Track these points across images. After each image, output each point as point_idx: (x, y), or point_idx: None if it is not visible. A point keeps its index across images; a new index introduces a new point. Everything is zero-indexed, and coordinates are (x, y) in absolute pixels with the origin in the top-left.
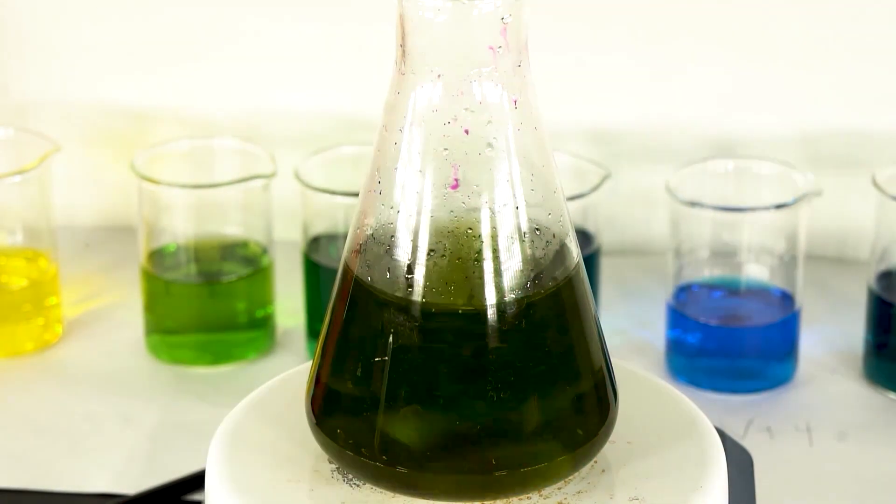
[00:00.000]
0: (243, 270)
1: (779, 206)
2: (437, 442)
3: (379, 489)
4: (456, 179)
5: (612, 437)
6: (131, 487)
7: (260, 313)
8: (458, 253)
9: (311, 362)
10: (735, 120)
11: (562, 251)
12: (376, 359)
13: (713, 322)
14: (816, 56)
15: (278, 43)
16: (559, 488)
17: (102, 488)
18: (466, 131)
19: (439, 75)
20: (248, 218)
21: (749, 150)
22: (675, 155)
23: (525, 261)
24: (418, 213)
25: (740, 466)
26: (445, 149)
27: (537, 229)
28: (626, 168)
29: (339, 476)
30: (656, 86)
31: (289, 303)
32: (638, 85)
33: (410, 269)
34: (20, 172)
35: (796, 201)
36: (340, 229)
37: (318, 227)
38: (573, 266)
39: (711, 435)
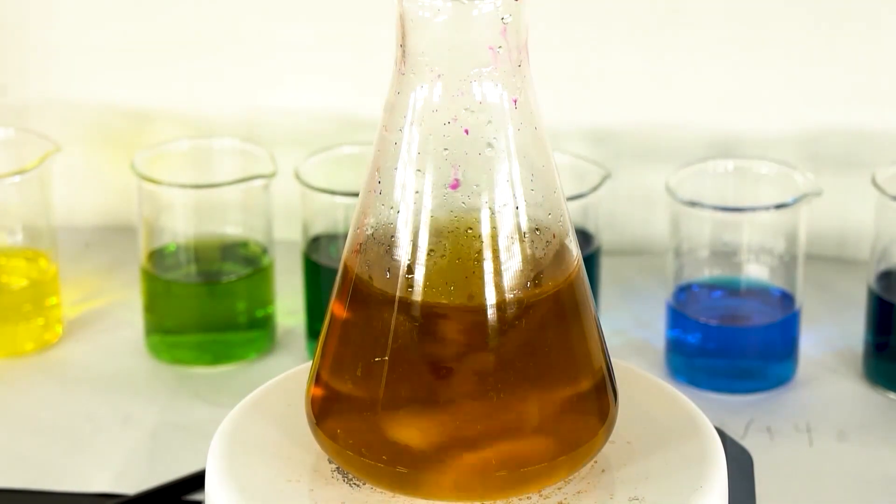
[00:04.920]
0: (243, 270)
1: (779, 206)
2: (437, 442)
3: (379, 489)
4: (456, 179)
5: (612, 437)
6: (131, 487)
7: (260, 313)
8: (458, 253)
9: (311, 362)
10: (735, 120)
11: (562, 251)
12: (376, 359)
13: (713, 322)
14: (816, 56)
15: (278, 43)
16: (559, 488)
17: (102, 488)
18: (466, 131)
19: (439, 75)
20: (248, 218)
21: (749, 150)
22: (675, 155)
23: (525, 261)
24: (418, 213)
25: (740, 466)
26: (445, 149)
27: (537, 229)
28: (626, 168)
29: (339, 476)
30: (656, 86)
31: (289, 303)
32: (638, 85)
33: (410, 269)
34: (20, 172)
35: (796, 201)
36: (340, 229)
37: (318, 227)
38: (573, 266)
39: (711, 435)
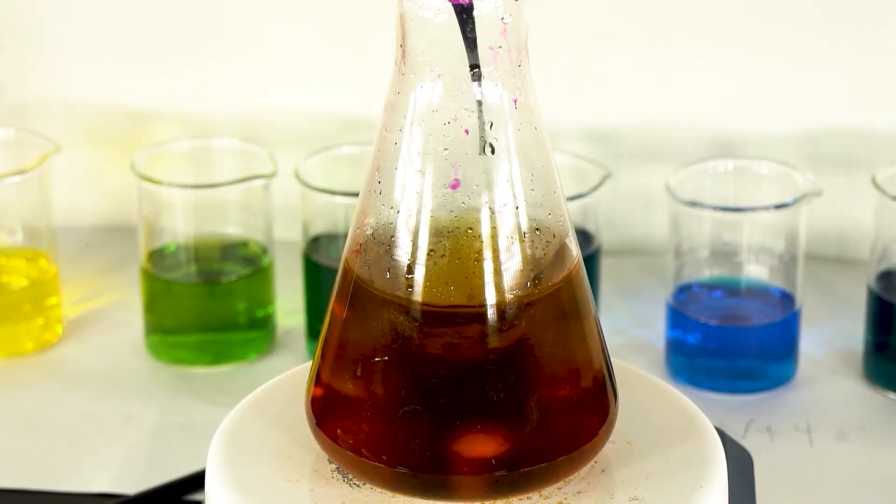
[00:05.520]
0: (243, 270)
1: (779, 206)
2: (437, 442)
3: (379, 489)
4: (456, 179)
5: (612, 437)
6: (131, 487)
7: (260, 313)
8: (458, 253)
9: (311, 362)
10: (735, 120)
11: (562, 251)
12: (376, 359)
13: (713, 322)
14: (816, 56)
15: (278, 43)
16: (559, 488)
17: (102, 488)
18: (466, 131)
19: (439, 75)
20: (248, 218)
21: (749, 150)
22: (675, 155)
23: (525, 261)
24: (418, 213)
25: (740, 466)
26: (445, 149)
27: (537, 229)
28: (626, 168)
29: (339, 476)
30: (656, 86)
31: (289, 303)
32: (638, 85)
33: (410, 269)
34: (20, 172)
35: (796, 201)
36: (340, 229)
37: (318, 227)
38: (573, 266)
39: (711, 435)
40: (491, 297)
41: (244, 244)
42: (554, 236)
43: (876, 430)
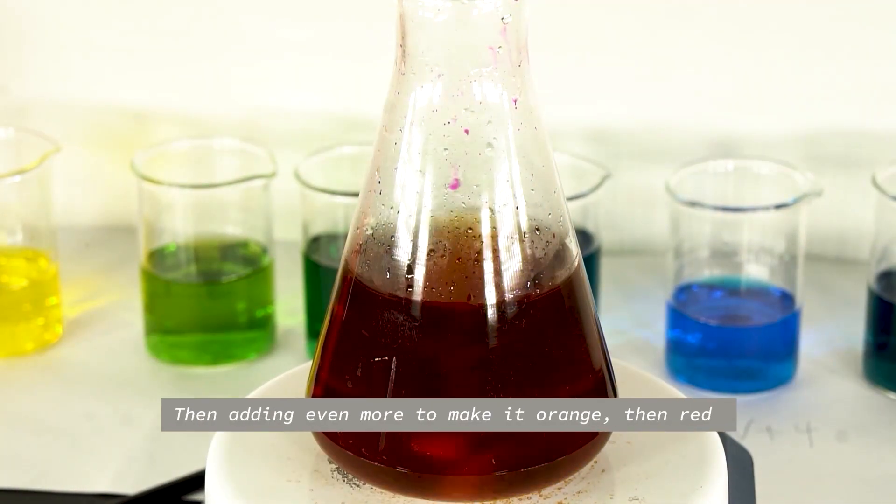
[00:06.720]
0: (243, 270)
1: (779, 206)
2: (437, 442)
3: (379, 489)
4: (456, 179)
5: (612, 437)
6: (131, 487)
7: (260, 313)
8: (457, 253)
9: (311, 362)
10: (735, 120)
11: (562, 251)
12: (376, 359)
13: (713, 322)
14: (816, 56)
15: (278, 43)
16: (559, 488)
17: (102, 488)
18: (466, 131)
19: (439, 75)
20: (248, 218)
21: (749, 150)
22: (675, 155)
23: (525, 260)
24: (418, 213)
25: (740, 466)
26: (445, 149)
27: (537, 229)
28: (626, 168)
29: (339, 476)
30: (656, 86)
31: (289, 303)
32: (638, 85)
33: (410, 269)
34: (20, 172)
35: (796, 201)
36: (340, 229)
37: (318, 227)
38: (573, 266)
39: (711, 435)
40: (491, 297)
41: (244, 244)
42: (554, 236)
43: (876, 430)
